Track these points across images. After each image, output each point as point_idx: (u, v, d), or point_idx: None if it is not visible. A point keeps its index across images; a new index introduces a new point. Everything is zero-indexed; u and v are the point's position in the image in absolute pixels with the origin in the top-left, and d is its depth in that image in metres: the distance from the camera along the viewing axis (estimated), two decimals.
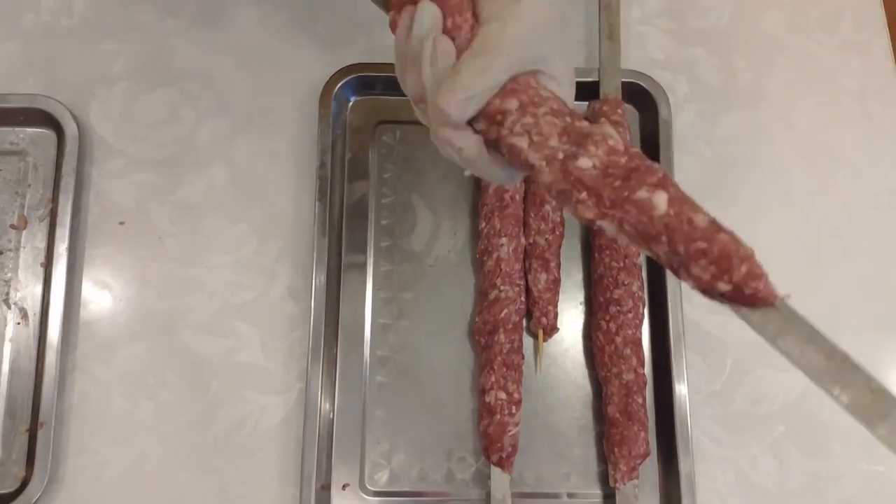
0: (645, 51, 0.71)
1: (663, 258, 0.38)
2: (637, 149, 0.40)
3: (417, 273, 0.64)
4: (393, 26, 0.43)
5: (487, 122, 0.40)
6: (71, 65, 0.68)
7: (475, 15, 0.40)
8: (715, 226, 0.37)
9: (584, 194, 0.38)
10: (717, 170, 0.68)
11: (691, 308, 0.63)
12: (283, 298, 0.63)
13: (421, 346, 0.63)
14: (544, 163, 0.39)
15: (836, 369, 0.37)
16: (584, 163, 0.38)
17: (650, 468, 0.60)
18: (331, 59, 0.67)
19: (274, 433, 0.60)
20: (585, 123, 0.40)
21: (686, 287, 0.61)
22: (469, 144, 0.41)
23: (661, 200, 0.37)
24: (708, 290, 0.37)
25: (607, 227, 0.38)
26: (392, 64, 0.65)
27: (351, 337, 0.63)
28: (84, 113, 0.66)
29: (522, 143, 0.39)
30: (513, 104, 0.39)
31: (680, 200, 0.37)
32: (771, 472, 0.61)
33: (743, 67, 0.71)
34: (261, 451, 0.60)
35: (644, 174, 0.37)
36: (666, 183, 0.38)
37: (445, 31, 0.40)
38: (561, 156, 0.38)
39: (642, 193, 0.37)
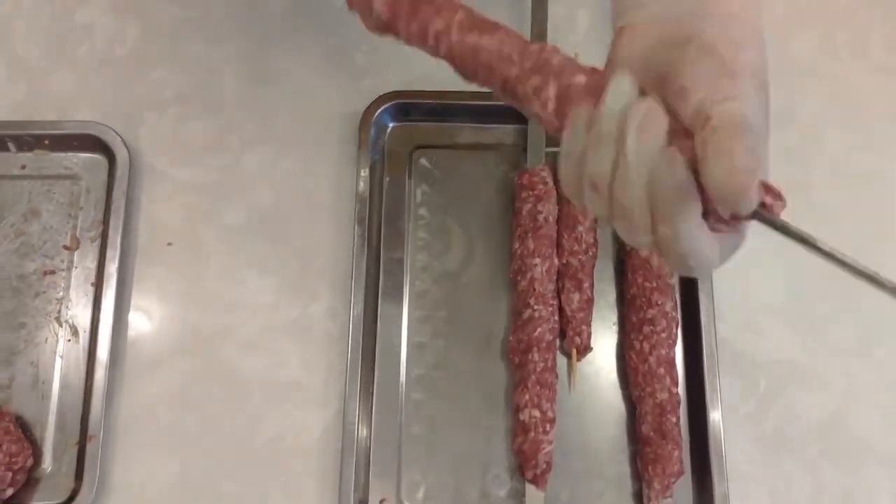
0: None
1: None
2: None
3: (452, 293, 0.66)
4: (558, 130, 0.39)
5: None
6: (122, 93, 0.71)
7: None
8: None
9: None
10: None
11: (725, 327, 0.64)
12: (324, 317, 0.65)
13: (456, 364, 0.64)
14: None
15: None
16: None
17: (684, 487, 0.61)
18: (369, 87, 0.70)
19: (314, 447, 0.62)
20: None
21: (720, 307, 0.62)
22: (694, 222, 0.35)
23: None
24: None
25: None
26: (427, 91, 0.69)
27: (388, 355, 0.64)
28: (134, 139, 0.69)
29: None
30: None
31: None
32: (805, 490, 0.61)
33: (773, 92, 0.71)
34: (301, 464, 0.62)
35: None
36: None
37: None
38: None
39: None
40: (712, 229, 0.35)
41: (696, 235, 0.35)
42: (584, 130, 0.37)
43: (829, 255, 0.34)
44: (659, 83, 0.36)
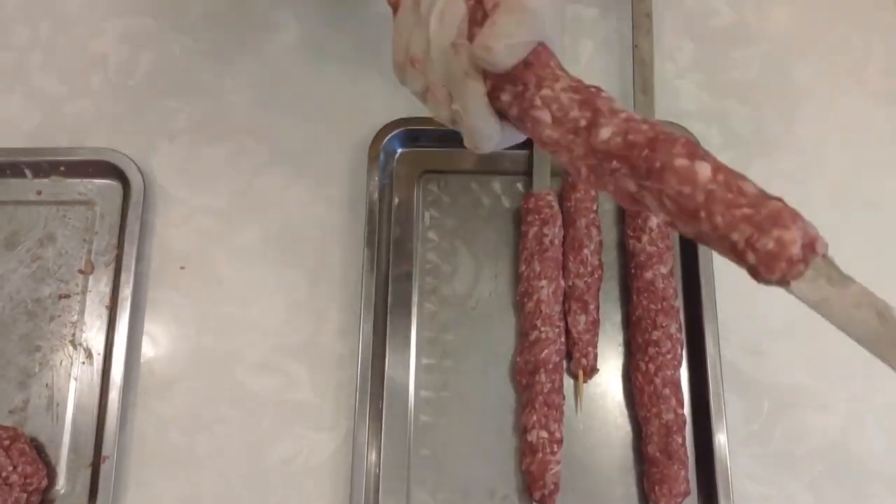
0: (678, 103, 0.73)
1: (703, 235, 0.36)
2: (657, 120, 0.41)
3: (460, 315, 0.67)
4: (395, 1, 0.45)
5: (508, 86, 0.41)
6: (136, 120, 0.73)
7: None
8: (764, 195, 0.35)
9: (614, 163, 0.37)
10: None
11: (729, 349, 0.64)
12: (333, 338, 0.66)
13: (464, 386, 0.65)
14: (570, 136, 0.39)
15: (893, 332, 0.33)
16: (605, 133, 0.38)
17: None
18: (379, 114, 0.71)
19: (324, 468, 0.63)
20: (597, 94, 0.40)
21: (724, 328, 0.63)
22: (478, 101, 0.42)
23: (703, 168, 0.35)
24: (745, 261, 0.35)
25: (649, 202, 0.37)
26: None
27: (396, 377, 0.65)
28: (148, 165, 0.71)
29: (545, 117, 0.40)
30: (531, 77, 0.41)
31: (725, 168, 0.35)
32: None
33: (774, 117, 0.73)
34: (311, 485, 0.62)
35: (668, 142, 0.36)
36: (698, 150, 0.36)
37: None
38: (584, 123, 0.39)
39: (681, 161, 0.35)
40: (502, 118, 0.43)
41: (481, 114, 0.42)
42: (411, 10, 0.43)
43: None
44: None
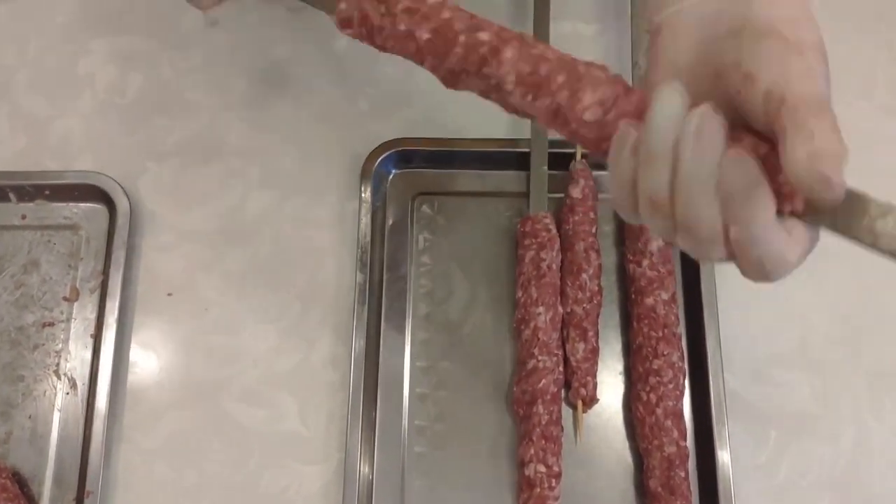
0: None
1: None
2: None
3: (455, 342, 0.65)
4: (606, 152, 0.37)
5: None
6: (124, 142, 0.71)
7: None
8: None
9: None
10: None
11: (733, 378, 0.62)
12: (324, 366, 0.64)
13: (459, 416, 0.63)
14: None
15: None
16: None
17: None
18: (371, 134, 0.69)
19: (314, 502, 0.61)
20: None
21: (728, 356, 0.61)
22: (768, 217, 0.33)
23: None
24: None
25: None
26: (429, 138, 0.68)
27: (389, 406, 0.63)
28: (135, 187, 0.69)
29: None
30: None
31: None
32: None
33: None
34: None
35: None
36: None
37: None
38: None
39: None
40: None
41: (772, 236, 0.33)
42: (630, 151, 0.34)
43: None
44: (715, 80, 0.34)
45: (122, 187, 0.67)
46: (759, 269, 0.34)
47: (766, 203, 0.32)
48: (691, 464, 0.60)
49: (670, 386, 0.60)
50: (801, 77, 0.32)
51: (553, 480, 0.58)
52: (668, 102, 0.32)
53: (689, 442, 0.61)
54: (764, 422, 0.63)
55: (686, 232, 0.34)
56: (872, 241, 0.32)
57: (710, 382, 0.61)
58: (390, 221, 0.68)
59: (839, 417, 0.63)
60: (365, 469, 0.60)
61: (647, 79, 0.39)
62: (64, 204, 0.68)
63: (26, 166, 0.69)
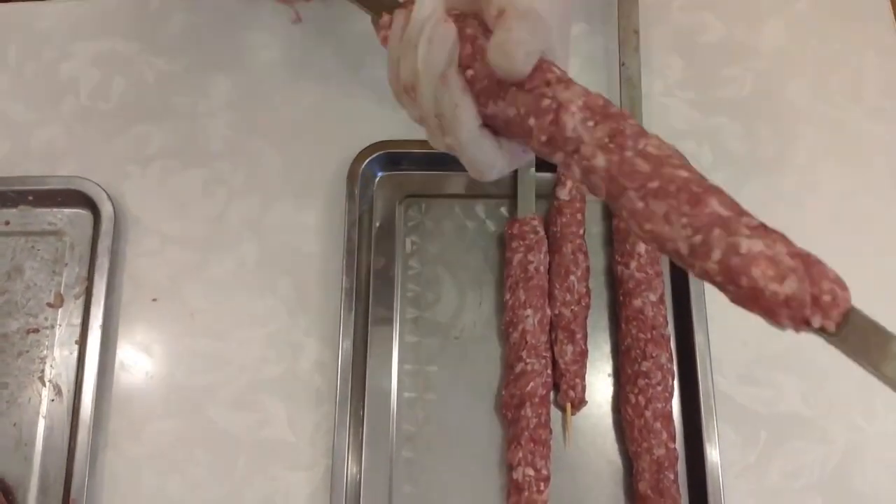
0: (668, 121, 0.71)
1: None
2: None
3: (443, 345, 0.64)
4: (386, 25, 0.43)
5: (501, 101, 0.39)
6: (108, 147, 0.70)
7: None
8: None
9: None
10: None
11: (722, 380, 0.62)
12: (311, 372, 0.64)
13: (447, 420, 0.62)
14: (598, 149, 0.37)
15: None
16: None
17: None
18: (357, 137, 0.69)
19: None
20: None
21: (717, 358, 0.61)
22: (472, 130, 0.40)
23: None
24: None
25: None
26: (416, 140, 0.68)
27: (377, 411, 0.63)
28: (119, 193, 0.68)
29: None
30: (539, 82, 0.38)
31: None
32: None
33: (768, 135, 0.71)
34: None
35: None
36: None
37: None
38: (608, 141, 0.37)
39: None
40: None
41: (477, 144, 0.40)
42: (399, 33, 0.41)
43: None
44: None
45: (106, 192, 0.66)
46: (472, 168, 0.42)
47: (467, 119, 0.39)
48: (681, 466, 0.60)
49: (659, 388, 0.60)
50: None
51: (542, 484, 0.58)
52: (426, 3, 0.39)
53: (679, 444, 0.60)
54: (754, 423, 0.62)
55: (423, 122, 0.42)
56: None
57: (700, 384, 0.61)
58: (377, 225, 0.68)
59: (829, 419, 0.62)
60: (353, 475, 0.60)
61: None
62: (48, 210, 0.68)
63: (9, 172, 0.69)
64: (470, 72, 0.39)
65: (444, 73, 0.39)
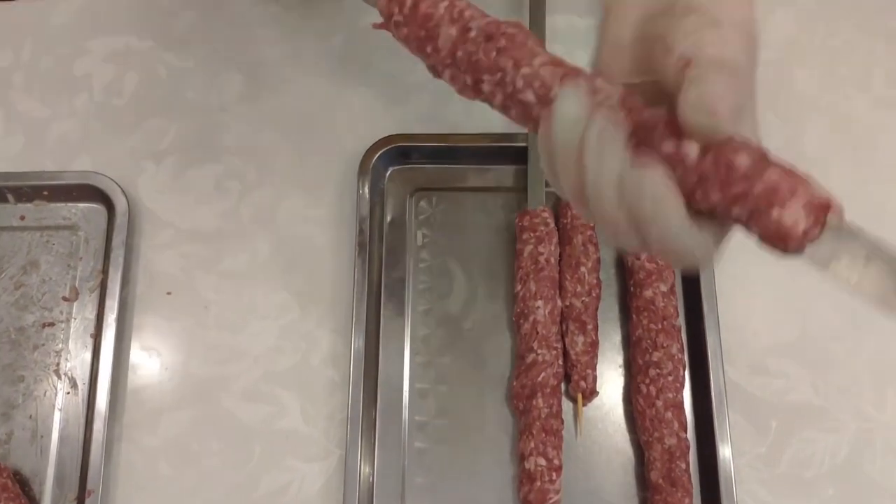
0: None
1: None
2: None
3: (455, 337, 0.65)
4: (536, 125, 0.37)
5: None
6: (121, 141, 0.71)
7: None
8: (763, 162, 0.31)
9: None
10: None
11: (733, 370, 0.62)
12: (324, 364, 0.64)
13: (459, 411, 0.63)
14: None
15: None
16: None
17: None
18: (369, 130, 0.69)
19: (315, 500, 0.61)
20: None
21: (728, 347, 0.61)
22: (679, 221, 0.33)
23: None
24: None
25: None
26: (427, 134, 0.68)
27: (390, 403, 0.63)
28: (133, 187, 0.69)
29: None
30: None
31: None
32: None
33: (777, 126, 0.71)
34: None
35: None
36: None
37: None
38: None
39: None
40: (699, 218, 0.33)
41: (685, 234, 0.33)
42: (549, 140, 0.35)
43: None
44: (649, 57, 0.35)
45: (120, 187, 0.67)
46: (680, 263, 0.35)
47: (671, 205, 0.32)
48: (692, 454, 0.60)
49: (670, 378, 0.60)
50: (711, 44, 0.32)
51: (553, 473, 0.58)
52: (566, 110, 0.33)
53: (690, 433, 0.61)
54: (765, 412, 0.62)
55: (605, 226, 0.35)
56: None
57: (710, 374, 0.61)
58: (388, 218, 0.68)
59: (840, 408, 0.62)
60: (366, 466, 0.60)
61: (595, 56, 0.39)
62: (62, 204, 0.69)
63: (24, 167, 0.70)
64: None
65: (640, 168, 0.32)
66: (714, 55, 0.32)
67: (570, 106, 0.34)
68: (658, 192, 0.32)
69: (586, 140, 0.33)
